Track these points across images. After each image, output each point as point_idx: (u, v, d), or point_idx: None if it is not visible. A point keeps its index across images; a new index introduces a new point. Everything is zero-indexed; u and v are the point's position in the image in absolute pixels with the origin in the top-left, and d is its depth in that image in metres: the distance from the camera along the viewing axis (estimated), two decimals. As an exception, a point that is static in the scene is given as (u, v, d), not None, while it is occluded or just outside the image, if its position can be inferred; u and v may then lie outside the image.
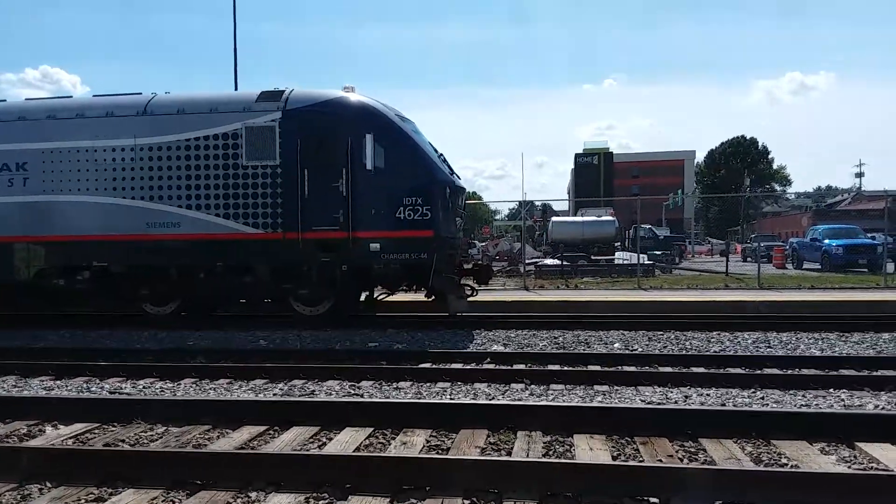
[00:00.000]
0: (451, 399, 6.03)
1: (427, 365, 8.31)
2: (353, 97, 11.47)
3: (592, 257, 26.30)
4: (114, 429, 5.17)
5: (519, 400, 6.30)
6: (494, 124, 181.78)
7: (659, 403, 6.12)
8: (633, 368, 7.98)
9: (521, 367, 8.16)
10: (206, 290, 11.62)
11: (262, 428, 4.97)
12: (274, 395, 6.81)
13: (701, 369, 7.79)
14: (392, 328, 11.14)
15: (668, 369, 7.86)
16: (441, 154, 11.92)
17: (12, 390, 7.11)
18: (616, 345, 9.58)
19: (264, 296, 11.69)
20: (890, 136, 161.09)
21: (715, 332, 10.28)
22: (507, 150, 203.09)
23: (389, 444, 4.56)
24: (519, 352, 8.92)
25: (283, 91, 11.52)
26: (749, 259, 36.29)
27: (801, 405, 5.97)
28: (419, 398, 6.11)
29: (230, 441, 4.71)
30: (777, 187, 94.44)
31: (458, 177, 12.20)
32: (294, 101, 11.32)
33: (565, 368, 7.97)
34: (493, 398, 6.37)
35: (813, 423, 4.61)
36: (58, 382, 7.54)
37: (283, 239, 11.15)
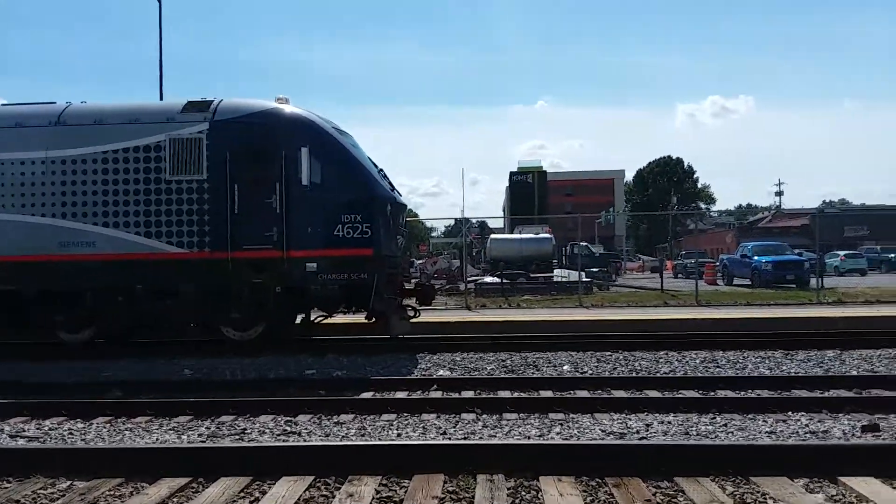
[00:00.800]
0: (400, 440, 5.48)
1: (370, 394, 7.76)
2: (287, 108, 10.86)
3: (531, 275, 26.22)
4: (8, 485, 4.40)
5: (474, 435, 5.81)
6: (429, 142, 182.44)
7: (621, 434, 5.77)
8: (586, 394, 7.65)
9: (471, 394, 7.71)
10: (126, 314, 10.69)
11: (184, 481, 4.31)
12: (199, 434, 6.10)
13: (656, 393, 7.54)
14: (331, 353, 10.49)
15: (623, 394, 7.56)
16: (381, 169, 11.42)
17: None
18: (565, 367, 9.25)
19: (190, 320, 10.85)
20: (806, 156, 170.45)
21: (662, 352, 10.10)
22: (441, 168, 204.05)
23: (333, 497, 3.99)
24: (467, 377, 8.48)
25: (212, 101, 10.81)
26: (680, 275, 37.15)
27: (766, 432, 5.72)
28: (365, 440, 5.54)
29: (146, 499, 4.04)
30: (702, 205, 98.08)
31: (399, 193, 11.72)
32: (223, 111, 10.62)
33: (517, 395, 7.58)
34: (447, 434, 5.87)
35: (790, 458, 4.30)
36: (-53, 425, 6.60)
37: (211, 258, 10.38)
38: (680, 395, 7.32)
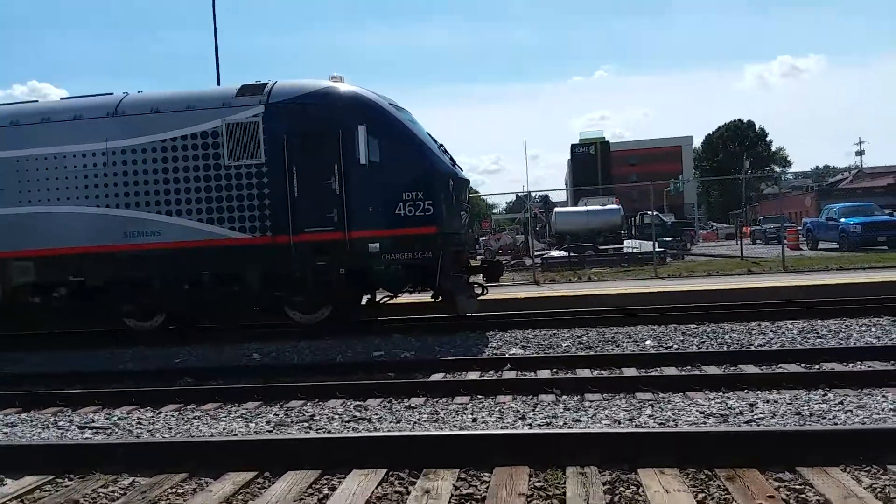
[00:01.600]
0: (479, 429, 5.05)
1: (440, 376, 7.40)
2: (343, 87, 10.50)
3: (600, 247, 25.35)
4: (70, 483, 4.22)
5: (556, 419, 5.34)
6: (487, 120, 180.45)
7: (722, 416, 5.19)
8: (674, 370, 7.07)
9: (547, 373, 7.25)
10: (193, 301, 10.66)
11: (250, 475, 4.02)
12: (268, 422, 5.86)
13: (753, 368, 6.89)
14: (398, 334, 10.19)
15: (716, 370, 6.94)
16: (441, 144, 10.96)
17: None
18: (647, 342, 8.64)
19: (256, 305, 10.72)
20: (885, 114, 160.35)
21: (754, 323, 9.35)
22: (501, 145, 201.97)
23: (408, 494, 3.61)
24: (542, 355, 8.00)
25: (266, 84, 10.55)
26: (759, 241, 35.40)
27: (891, 409, 5.03)
28: (440, 430, 5.14)
29: (209, 497, 3.76)
30: (777, 169, 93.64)
31: (461, 168, 11.25)
32: (278, 93, 10.35)
33: (599, 374, 7.07)
34: (525, 418, 5.42)
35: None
36: (24, 416, 6.59)
37: (273, 243, 10.19)
38: (782, 370, 6.65)
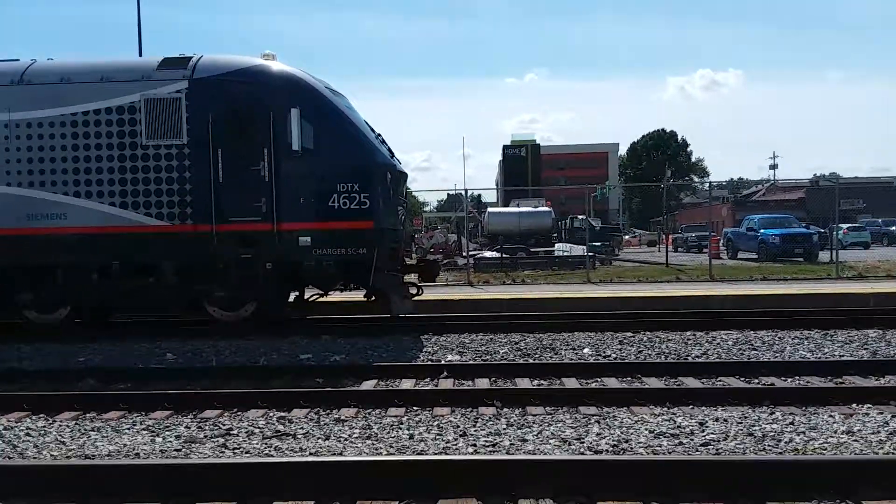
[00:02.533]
0: (419, 456, 4.58)
1: (373, 384, 6.91)
2: (276, 66, 9.82)
3: (531, 249, 25.35)
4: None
5: (499, 437, 4.95)
6: (418, 116, 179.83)
7: (672, 435, 4.93)
8: (616, 382, 6.83)
9: (486, 383, 6.88)
10: (102, 293, 9.75)
11: (152, 508, 3.44)
12: (178, 436, 5.23)
13: (694, 381, 6.73)
14: (327, 335, 9.60)
15: (657, 382, 6.75)
16: (379, 134, 10.44)
17: None
18: (586, 350, 8.42)
19: (172, 300, 9.90)
20: (796, 130, 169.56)
21: (689, 332, 9.28)
22: (432, 142, 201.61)
23: (341, 534, 3.12)
24: (479, 363, 7.63)
25: (191, 58, 9.75)
26: (681, 249, 36.41)
27: (843, 432, 4.90)
28: (376, 453, 4.65)
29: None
30: (696, 179, 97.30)
31: (399, 161, 10.76)
32: (203, 68, 9.57)
33: (540, 384, 6.75)
34: (466, 435, 5.00)
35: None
36: None
37: (194, 232, 9.42)
38: (724, 384, 6.51)
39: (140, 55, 18.62)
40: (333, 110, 9.70)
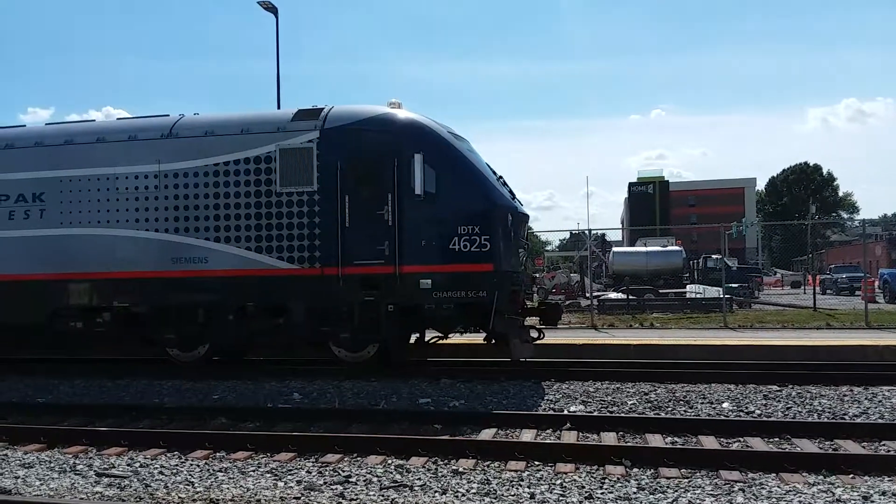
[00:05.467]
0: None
1: (492, 433, 6.69)
2: (400, 113, 10.06)
3: (660, 290, 24.21)
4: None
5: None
6: (542, 155, 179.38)
7: (832, 511, 4.32)
8: (761, 443, 6.19)
9: (612, 437, 6.45)
10: (238, 333, 10.23)
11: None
12: (298, 480, 5.25)
13: (853, 445, 5.97)
14: (446, 378, 9.51)
15: (810, 444, 6.04)
16: (500, 177, 10.36)
17: (-19, 468, 5.73)
18: (725, 404, 7.74)
19: (301, 340, 10.21)
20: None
21: (845, 388, 8.32)
22: (554, 181, 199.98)
23: None
24: (606, 415, 7.19)
25: (322, 109, 10.20)
26: (829, 291, 33.47)
27: None
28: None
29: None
30: (844, 215, 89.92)
31: (520, 202, 10.60)
32: (333, 119, 9.97)
33: (674, 442, 6.24)
34: (596, 500, 4.64)
35: None
36: (45, 455, 6.17)
37: (322, 275, 9.70)
38: (891, 451, 5.71)
39: (278, 107, 19.88)
40: (455, 155, 9.75)
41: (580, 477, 5.21)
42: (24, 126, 11.43)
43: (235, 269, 10.05)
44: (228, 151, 10.11)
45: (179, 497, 4.81)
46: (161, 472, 5.51)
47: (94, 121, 11.59)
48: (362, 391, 8.93)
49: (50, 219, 10.41)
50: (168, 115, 10.81)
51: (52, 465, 5.78)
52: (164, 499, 4.78)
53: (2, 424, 7.11)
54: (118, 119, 11.50)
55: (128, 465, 5.76)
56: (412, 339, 10.79)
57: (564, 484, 5.02)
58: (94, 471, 5.55)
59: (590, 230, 20.46)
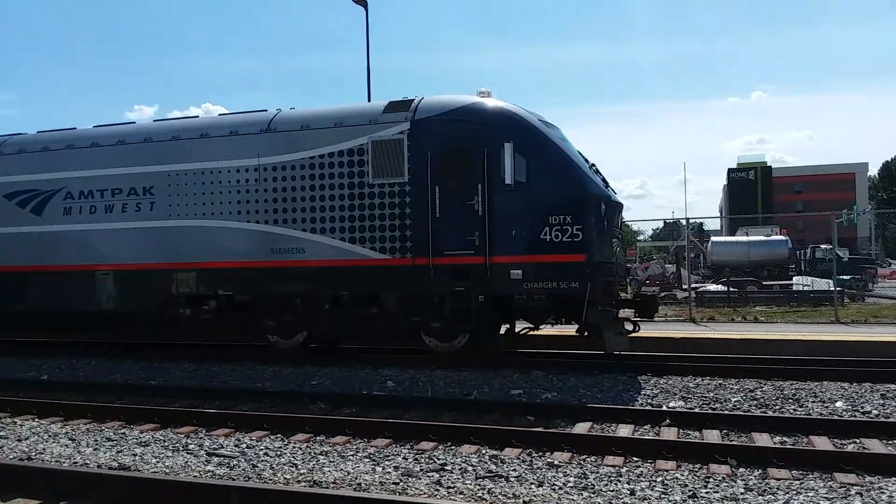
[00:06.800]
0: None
1: (587, 427, 6.55)
2: (490, 102, 9.99)
3: (763, 282, 23.03)
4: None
5: None
6: (633, 142, 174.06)
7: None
8: (879, 445, 5.78)
9: (716, 434, 6.19)
10: (333, 321, 10.52)
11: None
12: (395, 466, 5.34)
13: None
14: (538, 370, 9.41)
15: (938, 450, 5.57)
16: (593, 164, 10.12)
17: (104, 444, 6.15)
18: (838, 403, 7.27)
19: (393, 329, 10.38)
20: None
21: (976, 389, 7.64)
22: (645, 168, 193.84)
23: None
24: (708, 412, 6.91)
25: (413, 100, 10.27)
26: (954, 284, 30.86)
27: None
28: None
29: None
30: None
31: (614, 190, 10.33)
32: (424, 110, 10.03)
33: (782, 442, 5.92)
34: (700, 500, 4.46)
35: None
36: (159, 434, 6.56)
37: (413, 265, 9.81)
38: None
39: (369, 100, 20.24)
40: (546, 143, 9.60)
41: (682, 475, 5.03)
42: (134, 123, 12.14)
43: (330, 260, 10.31)
44: (323, 144, 10.36)
45: (285, 478, 4.98)
46: (266, 454, 5.73)
47: (197, 117, 12.18)
48: (453, 381, 8.98)
49: (159, 211, 11.02)
50: (266, 111, 11.20)
51: (165, 443, 6.14)
52: (270, 479, 4.97)
53: (120, 405, 7.60)
54: (220, 115, 12.02)
55: (235, 445, 6.03)
56: (502, 330, 10.76)
57: (666, 482, 4.85)
58: (205, 450, 5.84)
59: (687, 219, 19.71)
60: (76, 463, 5.50)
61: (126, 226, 11.15)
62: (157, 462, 5.49)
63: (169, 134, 11.17)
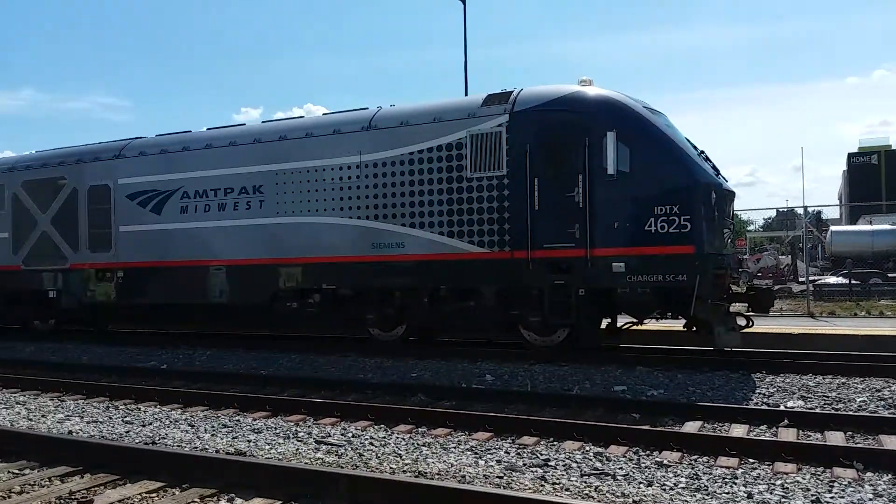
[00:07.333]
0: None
1: (697, 426, 6.28)
2: (591, 90, 9.75)
3: (889, 275, 21.31)
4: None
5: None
6: (742, 127, 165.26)
7: None
8: None
9: (839, 437, 5.77)
10: (432, 315, 10.62)
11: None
12: (498, 460, 5.31)
13: None
14: (642, 365, 9.12)
15: None
16: (702, 151, 9.68)
17: (220, 431, 6.49)
18: (984, 408, 6.60)
19: (490, 323, 10.36)
20: None
21: None
22: (756, 155, 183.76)
23: None
24: (831, 413, 6.46)
25: (511, 92, 10.18)
26: None
27: None
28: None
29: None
30: None
31: (725, 178, 9.83)
32: (523, 101, 9.91)
33: (919, 448, 5.43)
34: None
35: None
36: (271, 421, 6.84)
37: (511, 259, 9.74)
38: None
39: (465, 94, 20.28)
40: (651, 130, 9.27)
41: (803, 478, 4.72)
42: (244, 125, 12.71)
43: (429, 254, 10.40)
44: (422, 140, 10.45)
45: (391, 468, 5.07)
46: (371, 443, 5.86)
47: (301, 117, 12.60)
48: (553, 375, 8.84)
49: (267, 209, 11.48)
50: (367, 108, 11.43)
51: (277, 430, 6.39)
52: (377, 468, 5.06)
53: (234, 392, 7.99)
54: (323, 115, 12.38)
55: (342, 434, 6.20)
56: (603, 325, 10.51)
57: (786, 485, 4.57)
58: (314, 438, 6.04)
59: (805, 207, 18.52)
60: (196, 448, 5.81)
61: (237, 223, 11.70)
62: (270, 448, 5.72)
63: (276, 134, 11.62)
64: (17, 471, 5.14)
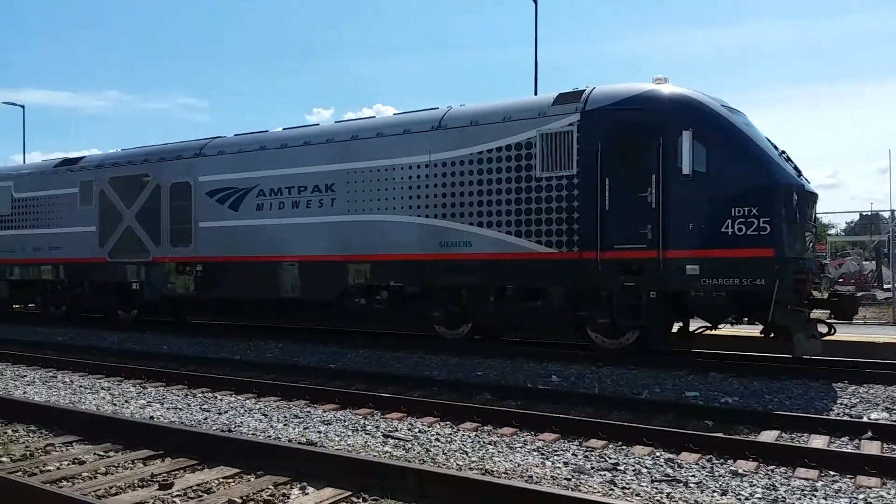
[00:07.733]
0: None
1: (773, 435, 6.06)
2: (667, 89, 9.52)
3: None
4: (373, 500, 4.11)
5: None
6: (821, 127, 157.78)
7: None
8: None
9: (931, 453, 5.45)
10: (498, 314, 10.61)
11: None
12: (565, 462, 5.27)
13: None
14: (715, 372, 8.84)
15: None
16: (783, 151, 9.32)
17: (292, 421, 6.67)
18: None
19: (557, 323, 10.26)
20: None
21: None
22: (838, 156, 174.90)
23: None
24: (921, 427, 6.10)
25: (583, 91, 10.05)
26: None
27: None
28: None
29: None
30: None
31: (807, 179, 9.43)
32: (595, 100, 9.77)
33: None
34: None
35: None
36: (340, 414, 6.99)
37: (580, 259, 9.62)
38: None
39: (535, 93, 20.16)
40: (728, 129, 8.99)
41: (888, 493, 4.49)
42: (318, 124, 13.02)
43: (496, 253, 10.39)
44: (491, 139, 10.45)
45: (457, 464, 5.10)
46: (437, 439, 5.91)
47: (373, 117, 12.80)
48: (622, 379, 8.69)
49: (339, 207, 11.72)
50: (437, 108, 11.52)
51: (346, 423, 6.53)
52: (444, 464, 5.11)
53: (305, 384, 8.20)
54: (394, 115, 12.54)
55: (408, 429, 6.28)
56: (674, 328, 10.25)
57: (869, 499, 4.36)
58: (381, 432, 6.14)
59: (892, 210, 17.55)
60: (269, 437, 6.00)
61: (310, 221, 12.00)
62: (340, 440, 5.85)
63: (348, 134, 11.84)
64: (102, 452, 5.42)
